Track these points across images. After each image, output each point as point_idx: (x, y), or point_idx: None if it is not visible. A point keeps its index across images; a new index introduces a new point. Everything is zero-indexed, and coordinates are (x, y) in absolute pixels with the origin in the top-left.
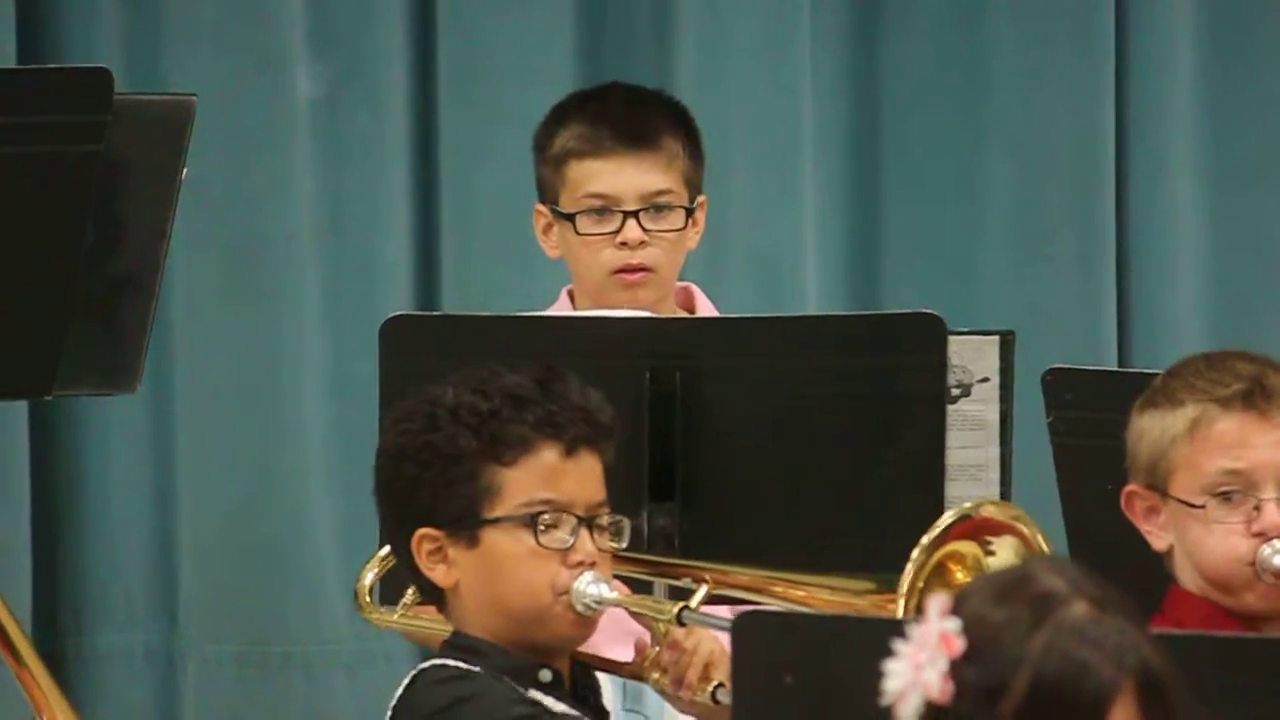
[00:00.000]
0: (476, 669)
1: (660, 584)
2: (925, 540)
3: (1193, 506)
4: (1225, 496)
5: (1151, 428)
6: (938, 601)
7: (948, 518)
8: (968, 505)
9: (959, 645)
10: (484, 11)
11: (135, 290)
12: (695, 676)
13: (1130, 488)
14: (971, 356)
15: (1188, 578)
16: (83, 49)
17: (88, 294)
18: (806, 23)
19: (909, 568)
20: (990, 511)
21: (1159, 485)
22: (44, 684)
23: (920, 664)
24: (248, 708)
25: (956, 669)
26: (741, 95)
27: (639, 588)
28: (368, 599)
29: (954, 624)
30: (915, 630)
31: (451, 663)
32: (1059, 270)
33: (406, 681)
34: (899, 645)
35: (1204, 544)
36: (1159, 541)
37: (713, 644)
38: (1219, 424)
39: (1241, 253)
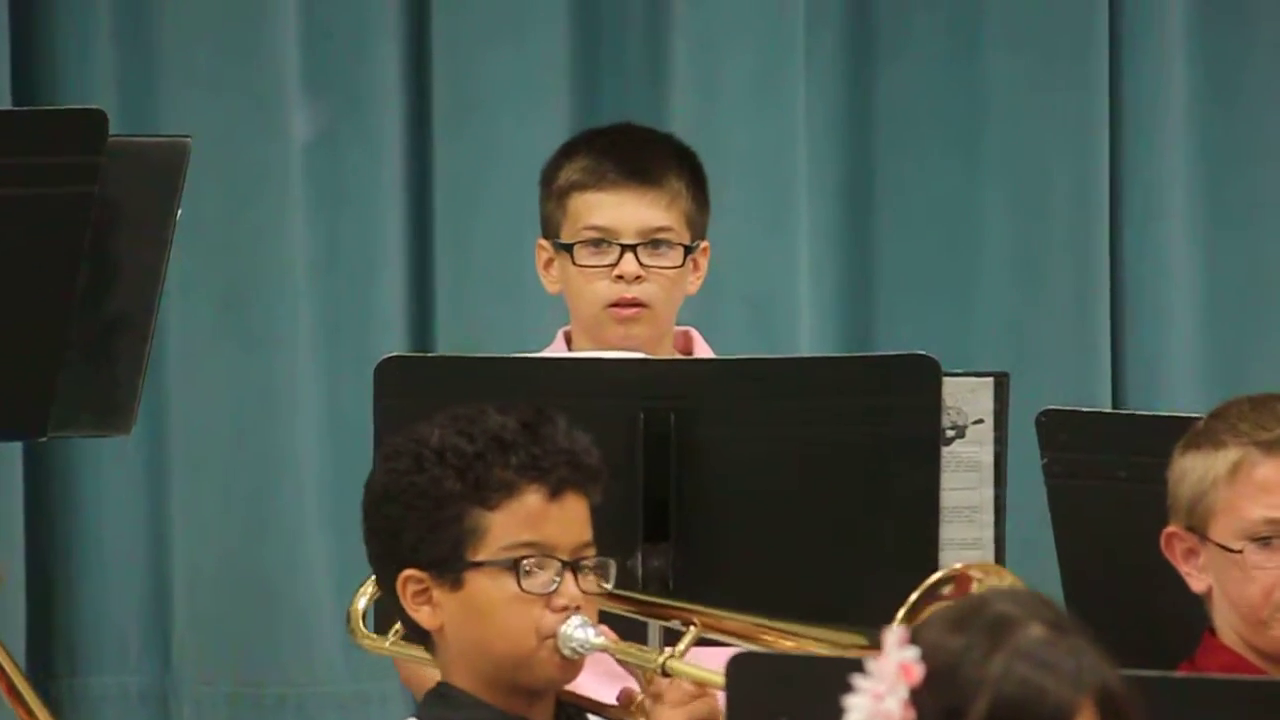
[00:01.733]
0: None
1: (655, 624)
2: (913, 598)
3: (1231, 551)
4: (1264, 542)
5: (1193, 469)
6: (895, 633)
7: (935, 576)
8: (957, 566)
9: (918, 673)
10: (478, 51)
11: (130, 331)
12: None
13: (1170, 529)
14: (966, 398)
15: (1224, 620)
16: (77, 90)
17: (82, 335)
18: (800, 61)
19: (895, 625)
20: (976, 574)
21: (1198, 528)
22: None
23: (880, 695)
24: None
25: (916, 696)
26: (735, 133)
27: (630, 626)
28: (360, 624)
29: (912, 653)
30: (874, 664)
31: None
32: (1053, 310)
33: None
34: (859, 681)
35: (1242, 589)
36: (1198, 584)
37: (700, 699)
38: (1260, 468)
39: (1236, 292)
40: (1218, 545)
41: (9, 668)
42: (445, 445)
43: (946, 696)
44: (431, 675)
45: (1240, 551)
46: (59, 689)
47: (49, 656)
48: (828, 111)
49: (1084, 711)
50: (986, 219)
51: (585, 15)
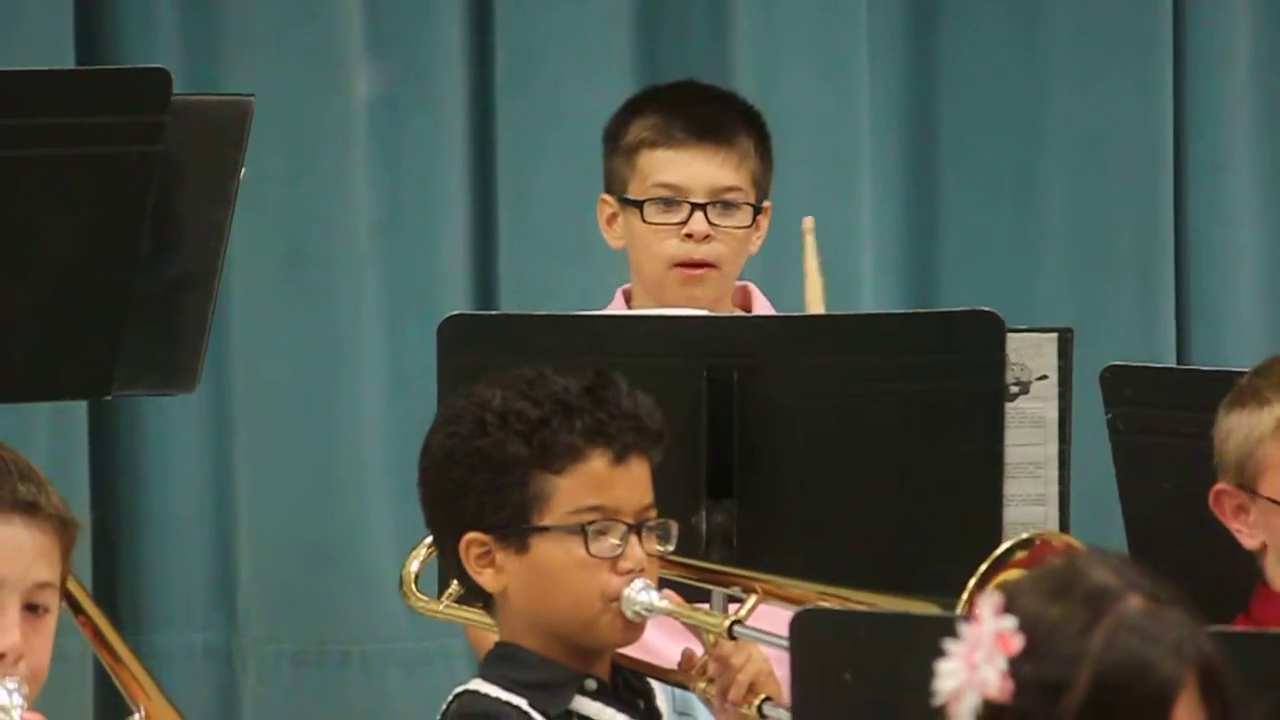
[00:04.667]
0: (510, 703)
1: (717, 592)
2: (983, 568)
3: None
4: None
5: (1239, 426)
6: (990, 599)
7: (1006, 545)
8: (1025, 535)
9: (1017, 643)
10: (541, 10)
11: (193, 290)
12: (739, 694)
13: (1219, 486)
14: (1030, 354)
15: (1278, 576)
16: (141, 50)
17: (146, 294)
18: (864, 22)
19: (965, 595)
20: (1049, 539)
21: (1247, 484)
22: (144, 681)
23: (976, 663)
24: (306, 706)
25: (1015, 667)
26: (798, 93)
27: (691, 591)
28: (413, 586)
29: (1010, 622)
30: (967, 629)
31: (490, 691)
32: (1117, 267)
33: (448, 701)
34: (951, 645)
35: None
36: (1250, 540)
37: (761, 662)
38: None
39: None
40: (1269, 500)
41: (97, 618)
42: (509, 409)
43: (1047, 669)
44: (494, 636)
45: None
46: None
47: (115, 614)
48: (891, 70)
49: (1188, 684)
50: (1050, 175)
51: None
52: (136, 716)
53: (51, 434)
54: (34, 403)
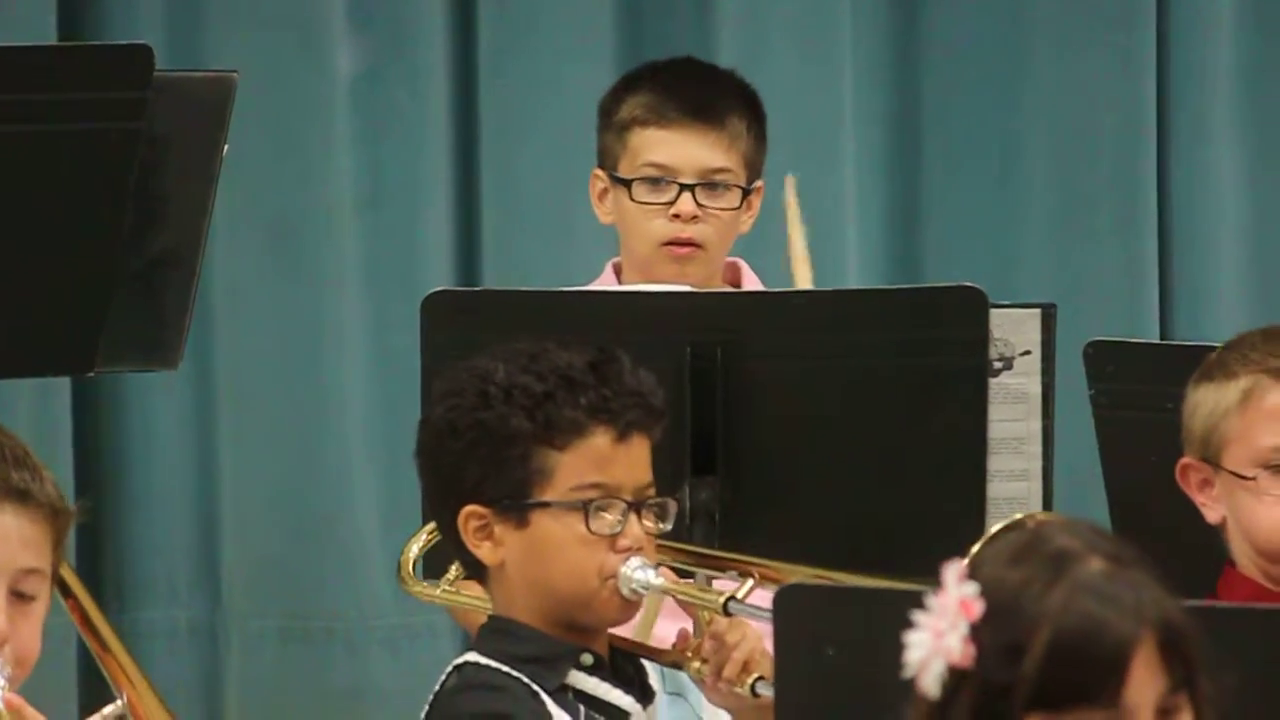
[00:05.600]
0: (511, 674)
1: (702, 574)
2: (975, 550)
3: (1244, 479)
4: (1276, 469)
5: (1205, 400)
6: (954, 568)
7: (996, 528)
8: (1019, 516)
9: (978, 609)
10: None
11: (177, 267)
12: (734, 672)
13: (1185, 460)
14: (1013, 329)
15: (1240, 549)
16: (124, 26)
17: (129, 271)
18: None
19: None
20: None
21: (1212, 457)
22: (128, 668)
23: (941, 631)
24: (290, 683)
25: (977, 632)
26: (782, 70)
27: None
28: (410, 571)
29: (972, 588)
30: (933, 599)
31: (490, 663)
32: (1100, 242)
33: (446, 673)
34: (918, 616)
35: (1255, 515)
36: (1212, 514)
37: (756, 641)
38: (1271, 395)
39: None
40: (1231, 474)
41: (86, 603)
42: (513, 383)
43: (1007, 631)
44: (484, 617)
45: (1254, 479)
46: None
47: (98, 592)
48: (874, 44)
49: (1145, 644)
50: (1033, 150)
51: None
52: (119, 703)
53: (34, 410)
54: (17, 379)
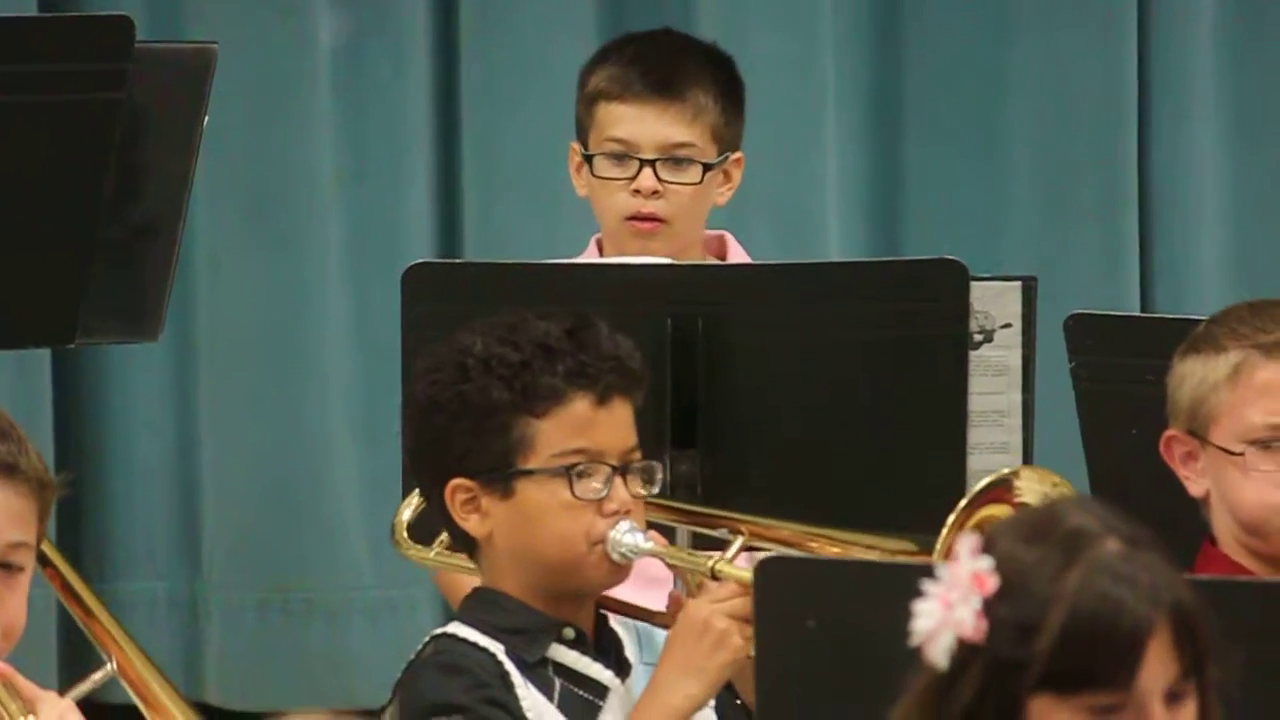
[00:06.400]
0: (484, 648)
1: (684, 530)
2: (962, 504)
3: (1231, 454)
4: (1265, 445)
5: (1193, 373)
6: (968, 541)
7: (984, 481)
8: (1005, 471)
9: (992, 584)
10: None
11: (157, 238)
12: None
13: (1170, 433)
14: (993, 302)
15: (1222, 524)
16: None
17: (110, 242)
18: None
19: (945, 531)
20: (1025, 479)
21: (1199, 431)
22: (115, 632)
23: (952, 603)
24: (269, 654)
25: (990, 607)
26: (764, 45)
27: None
28: (404, 534)
29: (986, 563)
30: (945, 570)
31: (468, 635)
32: (1081, 216)
33: (424, 643)
34: (928, 586)
35: (1241, 491)
36: (1196, 487)
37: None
38: (1261, 371)
39: (1264, 196)
40: (1218, 448)
41: (66, 571)
42: (491, 354)
43: (1021, 609)
44: (471, 583)
45: (1242, 454)
46: None
47: (78, 563)
48: (855, 20)
49: (1160, 628)
50: (1015, 124)
51: None
52: (109, 666)
53: (15, 382)
54: None
